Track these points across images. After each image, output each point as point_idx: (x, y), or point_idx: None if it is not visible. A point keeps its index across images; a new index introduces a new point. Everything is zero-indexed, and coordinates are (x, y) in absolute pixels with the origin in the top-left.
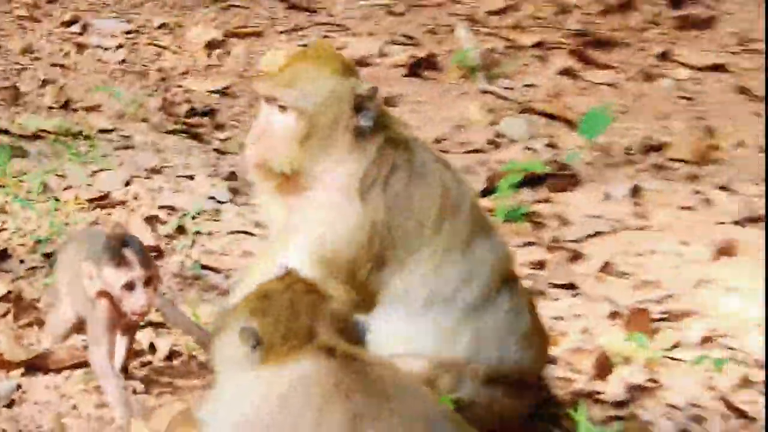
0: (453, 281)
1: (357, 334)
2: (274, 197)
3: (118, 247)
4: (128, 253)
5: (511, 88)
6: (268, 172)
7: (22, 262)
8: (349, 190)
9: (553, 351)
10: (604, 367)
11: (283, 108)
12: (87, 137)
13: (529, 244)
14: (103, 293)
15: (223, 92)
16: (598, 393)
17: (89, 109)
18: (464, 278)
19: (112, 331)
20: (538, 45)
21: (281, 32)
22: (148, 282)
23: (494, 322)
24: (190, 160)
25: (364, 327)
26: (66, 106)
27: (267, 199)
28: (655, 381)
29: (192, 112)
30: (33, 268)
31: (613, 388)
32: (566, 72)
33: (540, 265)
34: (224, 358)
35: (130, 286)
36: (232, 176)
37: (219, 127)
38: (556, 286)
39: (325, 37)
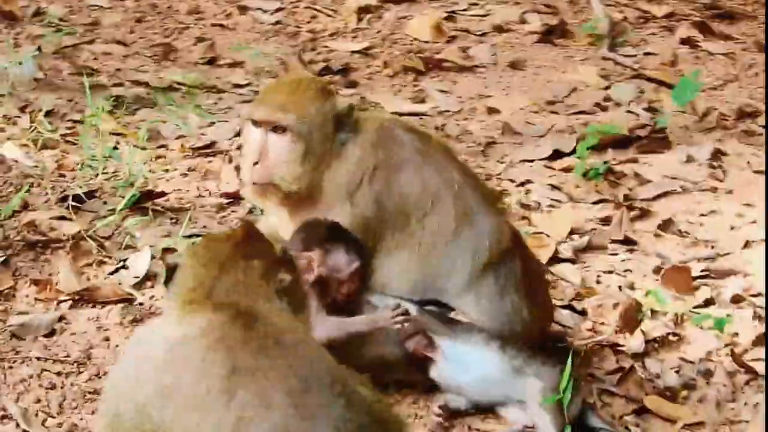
0: (437, 270)
1: (299, 292)
2: (275, 211)
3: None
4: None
5: (634, 55)
6: (271, 191)
7: (105, 203)
8: (338, 195)
9: (588, 303)
10: (629, 320)
11: (281, 130)
12: (219, 91)
13: (602, 201)
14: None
15: (364, 52)
16: (619, 345)
17: (232, 66)
18: (448, 267)
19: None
20: (668, 16)
21: (433, 0)
22: None
23: (477, 306)
24: None
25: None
26: (212, 62)
27: (269, 213)
28: (677, 335)
29: (326, 70)
30: (112, 209)
31: (634, 340)
32: (687, 42)
33: (606, 221)
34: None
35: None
36: None
37: (351, 84)
38: (614, 241)
39: (473, 4)
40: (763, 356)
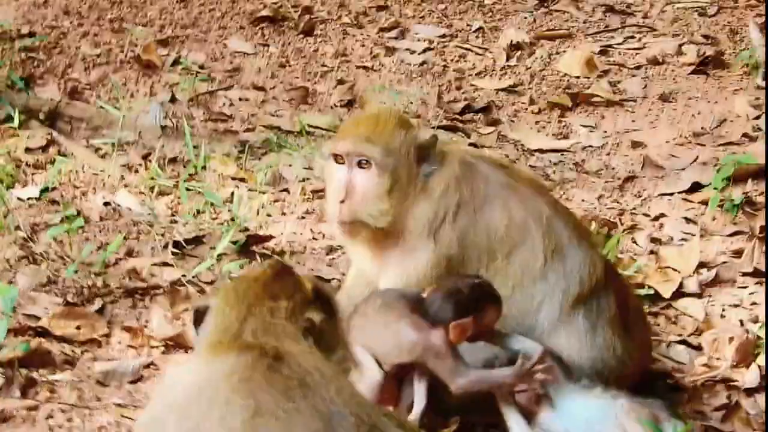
0: (526, 306)
1: (331, 332)
2: (363, 249)
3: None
4: None
5: None
6: (359, 228)
7: (212, 248)
8: (423, 232)
9: (705, 338)
10: (745, 355)
11: (366, 164)
12: None
13: (737, 233)
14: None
15: (510, 89)
16: (732, 381)
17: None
18: (536, 304)
19: None
20: None
21: (589, 35)
22: None
23: (568, 342)
24: None
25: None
26: (350, 104)
27: (356, 251)
28: None
29: (467, 108)
30: (222, 255)
31: (749, 375)
32: None
33: (738, 253)
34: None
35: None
36: None
37: (492, 122)
38: (744, 274)
39: (630, 38)
40: None
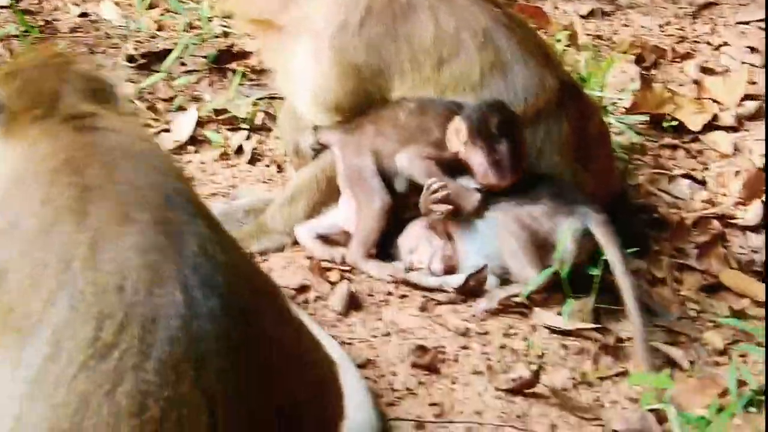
0: None
1: (109, 95)
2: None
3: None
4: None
5: None
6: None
7: (182, 63)
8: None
9: (709, 173)
10: (752, 190)
11: None
12: None
13: None
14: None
15: None
16: (733, 218)
17: None
18: None
19: None
20: None
21: None
22: None
23: None
24: None
25: (114, 88)
26: None
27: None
28: None
29: None
30: (190, 70)
31: (751, 212)
32: None
33: None
34: None
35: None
36: None
37: None
38: None
39: None
40: None
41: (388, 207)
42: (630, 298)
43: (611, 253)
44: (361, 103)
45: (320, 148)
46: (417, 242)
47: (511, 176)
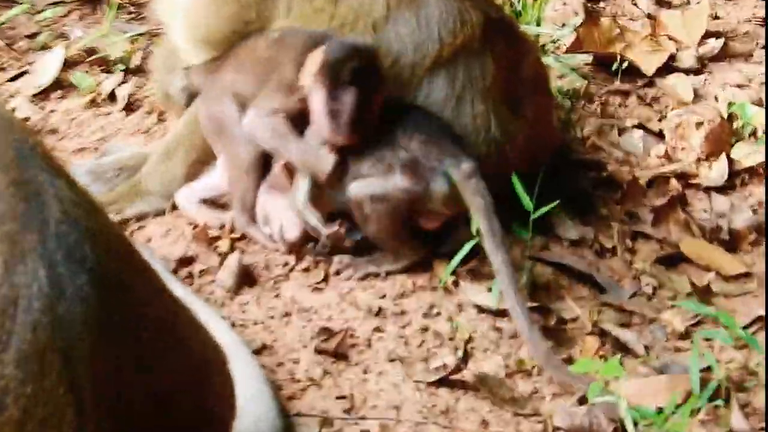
0: None
1: None
2: None
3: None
4: None
5: None
6: None
7: None
8: None
9: (667, 123)
10: (717, 145)
11: None
12: None
13: None
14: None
15: None
16: (693, 176)
17: None
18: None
19: None
20: None
21: None
22: None
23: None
24: None
25: None
26: None
27: None
28: None
29: None
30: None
31: (715, 171)
32: None
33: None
34: None
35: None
36: None
37: None
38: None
39: None
40: None
41: (258, 158)
42: (505, 277)
43: (478, 215)
44: (240, 35)
45: (192, 93)
46: (267, 211)
47: (349, 134)
